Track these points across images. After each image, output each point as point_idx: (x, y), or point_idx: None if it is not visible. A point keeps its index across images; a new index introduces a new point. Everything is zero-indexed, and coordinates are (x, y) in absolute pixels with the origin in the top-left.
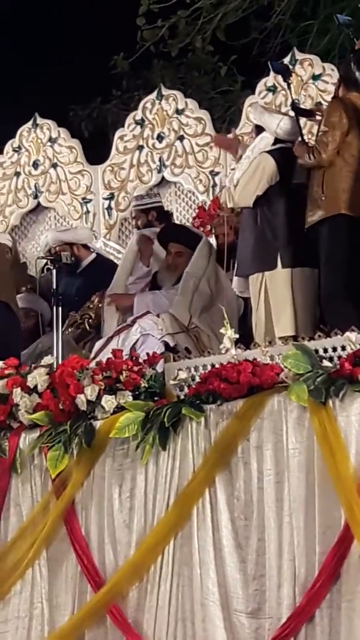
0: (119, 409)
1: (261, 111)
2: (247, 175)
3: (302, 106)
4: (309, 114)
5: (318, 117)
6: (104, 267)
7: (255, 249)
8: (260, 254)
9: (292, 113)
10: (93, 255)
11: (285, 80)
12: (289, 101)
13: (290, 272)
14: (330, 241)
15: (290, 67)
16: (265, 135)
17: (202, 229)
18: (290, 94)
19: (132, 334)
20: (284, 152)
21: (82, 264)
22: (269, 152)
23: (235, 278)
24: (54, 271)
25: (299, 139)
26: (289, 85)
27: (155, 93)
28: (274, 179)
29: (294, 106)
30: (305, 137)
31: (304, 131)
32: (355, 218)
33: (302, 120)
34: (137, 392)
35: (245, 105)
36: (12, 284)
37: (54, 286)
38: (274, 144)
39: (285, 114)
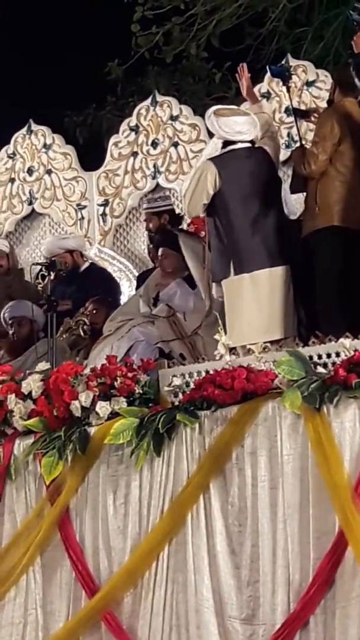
0: (114, 415)
1: (209, 115)
2: (192, 185)
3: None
4: (305, 114)
5: (314, 119)
6: (97, 274)
7: (215, 257)
8: (218, 261)
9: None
10: (88, 263)
11: (284, 84)
12: (283, 107)
13: (245, 277)
14: (324, 253)
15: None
16: (213, 141)
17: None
18: (290, 97)
19: (126, 340)
20: (231, 156)
21: (79, 270)
22: (213, 158)
23: (212, 284)
24: (49, 277)
25: (297, 144)
26: (288, 89)
27: (149, 99)
28: (217, 186)
29: (293, 108)
30: (304, 143)
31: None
32: (349, 229)
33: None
34: (131, 399)
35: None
36: None
37: (48, 292)
38: (223, 147)
39: (246, 112)
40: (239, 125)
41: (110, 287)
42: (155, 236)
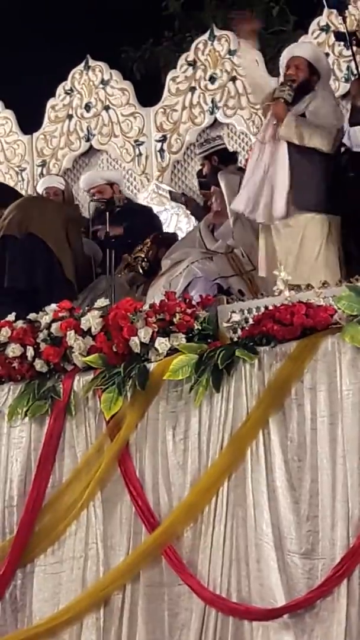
0: (173, 351)
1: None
2: None
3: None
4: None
5: None
6: (138, 208)
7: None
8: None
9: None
10: (125, 200)
11: (340, 14)
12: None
13: (301, 217)
14: None
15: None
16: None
17: None
18: (346, 28)
19: (184, 277)
20: None
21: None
22: None
23: None
24: (107, 213)
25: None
26: (344, 19)
27: (207, 34)
28: None
29: (351, 40)
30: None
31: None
32: None
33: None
34: (190, 335)
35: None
36: (56, 227)
37: (107, 228)
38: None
39: None
40: None
41: (153, 221)
42: (203, 180)
